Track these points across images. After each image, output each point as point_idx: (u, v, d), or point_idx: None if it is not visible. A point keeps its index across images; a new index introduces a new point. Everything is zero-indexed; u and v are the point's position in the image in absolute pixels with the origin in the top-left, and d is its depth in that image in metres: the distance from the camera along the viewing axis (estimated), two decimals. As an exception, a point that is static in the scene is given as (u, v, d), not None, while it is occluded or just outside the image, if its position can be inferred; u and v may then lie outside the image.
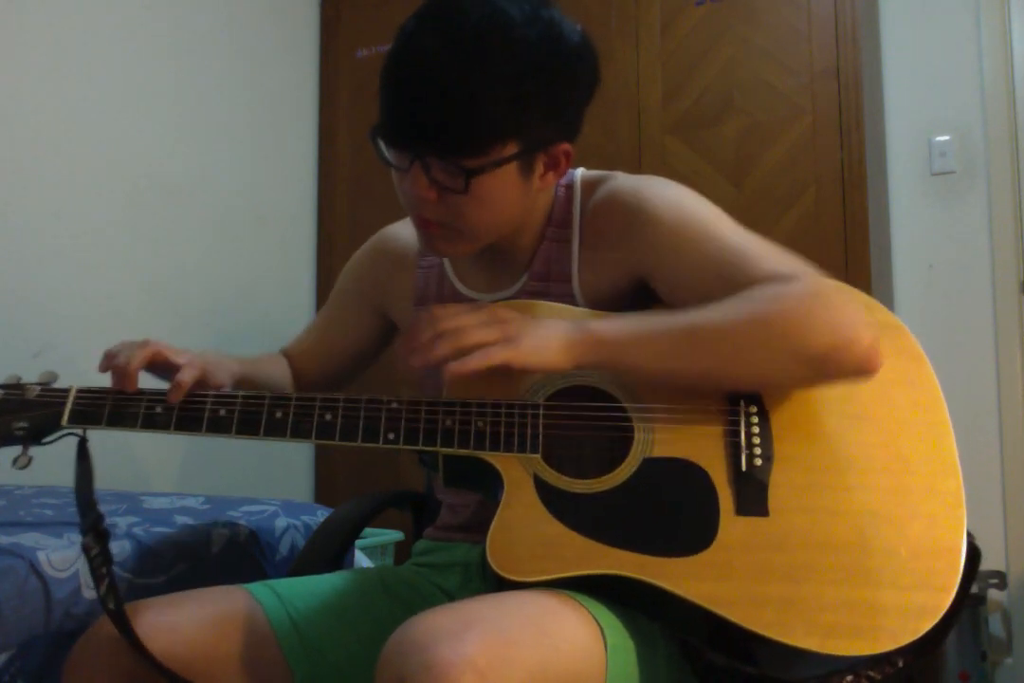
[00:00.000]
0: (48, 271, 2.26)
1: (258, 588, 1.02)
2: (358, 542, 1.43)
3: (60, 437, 0.98)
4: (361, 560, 1.45)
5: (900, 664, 0.89)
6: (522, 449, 0.94)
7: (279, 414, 0.96)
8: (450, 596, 1.09)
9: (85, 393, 0.97)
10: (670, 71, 2.61)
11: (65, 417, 0.96)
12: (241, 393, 0.98)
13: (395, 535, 2.40)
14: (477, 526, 1.07)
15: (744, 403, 0.95)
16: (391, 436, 0.95)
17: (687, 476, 0.93)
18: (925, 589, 0.88)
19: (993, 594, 2.38)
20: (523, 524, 0.90)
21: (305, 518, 1.38)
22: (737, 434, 0.94)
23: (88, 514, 0.95)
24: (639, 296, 1.06)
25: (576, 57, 0.97)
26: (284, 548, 1.31)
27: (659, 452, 0.94)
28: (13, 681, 0.98)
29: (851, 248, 2.35)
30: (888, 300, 2.55)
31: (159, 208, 2.55)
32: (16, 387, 0.97)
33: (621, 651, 0.86)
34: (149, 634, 0.91)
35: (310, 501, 2.81)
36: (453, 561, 1.13)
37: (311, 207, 3.09)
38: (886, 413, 0.97)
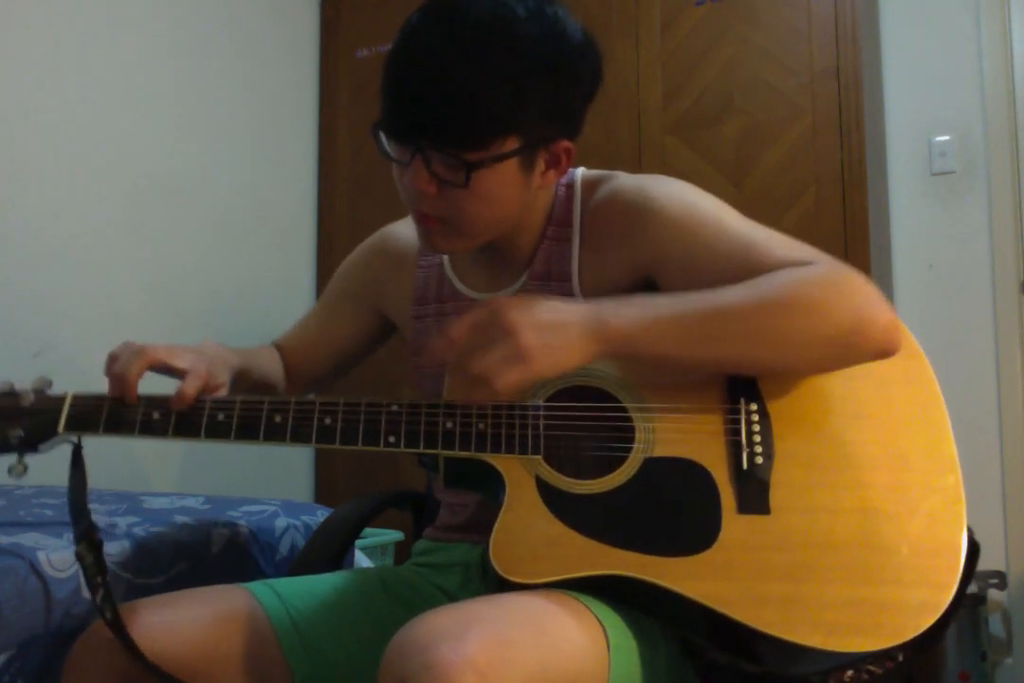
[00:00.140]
0: (48, 271, 2.26)
1: (258, 587, 1.02)
2: (358, 542, 1.43)
3: (56, 444, 0.96)
4: (361, 560, 1.45)
5: (900, 658, 0.90)
6: (523, 451, 0.94)
7: (278, 419, 0.95)
8: (450, 596, 1.09)
9: (81, 399, 0.95)
10: (670, 71, 2.61)
11: (61, 424, 0.94)
12: (240, 398, 0.96)
13: (395, 535, 2.40)
14: (477, 526, 1.08)
15: (744, 402, 0.96)
16: (392, 439, 0.94)
17: (689, 475, 0.93)
18: (926, 586, 0.88)
19: (993, 594, 2.38)
20: (525, 525, 0.90)
21: (305, 518, 1.38)
22: (738, 433, 0.94)
23: (80, 522, 0.94)
24: (639, 295, 1.06)
25: (579, 54, 0.98)
26: (284, 548, 1.31)
27: (660, 452, 0.94)
28: (13, 681, 0.97)
29: (851, 248, 2.34)
30: (888, 300, 2.54)
31: (159, 208, 2.55)
32: (10, 394, 0.95)
33: (624, 651, 0.86)
34: (149, 633, 0.91)
35: (310, 501, 2.81)
36: (453, 561, 1.13)
37: (311, 207, 3.09)
38: (885, 411, 0.97)
